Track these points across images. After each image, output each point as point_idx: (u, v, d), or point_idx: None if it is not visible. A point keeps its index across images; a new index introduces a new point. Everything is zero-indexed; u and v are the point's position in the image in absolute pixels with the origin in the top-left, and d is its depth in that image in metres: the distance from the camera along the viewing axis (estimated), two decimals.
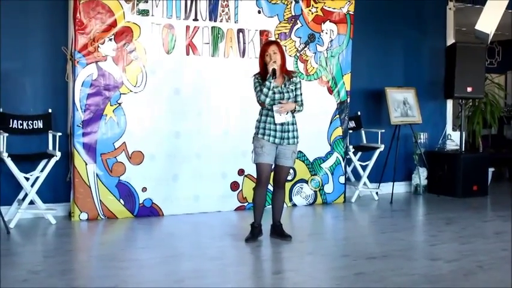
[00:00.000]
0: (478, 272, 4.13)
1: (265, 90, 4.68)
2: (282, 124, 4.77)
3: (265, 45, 4.92)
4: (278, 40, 6.22)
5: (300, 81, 4.90)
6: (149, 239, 5.23)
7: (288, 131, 4.80)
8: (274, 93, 4.73)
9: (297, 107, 4.82)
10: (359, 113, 7.31)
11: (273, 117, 4.75)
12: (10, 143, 5.41)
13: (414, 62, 7.86)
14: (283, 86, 4.79)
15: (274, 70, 4.70)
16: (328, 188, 6.79)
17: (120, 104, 5.71)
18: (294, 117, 4.85)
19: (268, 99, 4.70)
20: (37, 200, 5.47)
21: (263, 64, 4.80)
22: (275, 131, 4.77)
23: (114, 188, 5.74)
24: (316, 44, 6.64)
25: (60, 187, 5.79)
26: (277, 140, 4.77)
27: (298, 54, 6.55)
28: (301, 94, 4.87)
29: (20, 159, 5.40)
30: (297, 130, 4.88)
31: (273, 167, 4.91)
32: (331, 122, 6.76)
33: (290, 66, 6.28)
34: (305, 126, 6.07)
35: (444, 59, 7.68)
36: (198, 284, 3.84)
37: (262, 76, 4.79)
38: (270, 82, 4.68)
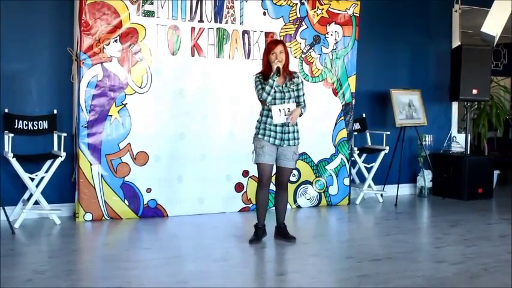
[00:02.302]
0: (483, 275, 4.11)
1: (267, 88, 4.66)
2: (282, 125, 4.76)
3: (272, 43, 4.87)
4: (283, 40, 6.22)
5: (302, 82, 4.88)
6: (153, 239, 5.23)
7: (289, 132, 4.78)
8: (275, 92, 4.71)
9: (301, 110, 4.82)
10: (364, 115, 7.30)
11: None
12: (15, 143, 5.44)
13: (419, 64, 7.85)
14: (284, 85, 4.78)
15: (278, 68, 4.67)
16: (333, 190, 6.78)
17: (125, 104, 5.73)
18: None
19: (269, 98, 4.70)
20: (42, 200, 5.49)
21: (267, 62, 4.77)
22: (275, 132, 4.75)
23: (118, 188, 5.75)
24: (321, 45, 6.64)
25: (65, 188, 5.81)
26: (277, 141, 4.76)
27: (303, 56, 6.55)
28: (303, 95, 4.86)
29: (25, 159, 5.42)
30: (297, 131, 4.85)
31: (274, 168, 4.91)
32: (336, 124, 6.75)
33: (295, 67, 6.29)
34: (310, 127, 6.12)
35: (450, 61, 7.65)
36: (201, 285, 3.84)
37: (264, 75, 4.78)
38: (274, 80, 4.66)
